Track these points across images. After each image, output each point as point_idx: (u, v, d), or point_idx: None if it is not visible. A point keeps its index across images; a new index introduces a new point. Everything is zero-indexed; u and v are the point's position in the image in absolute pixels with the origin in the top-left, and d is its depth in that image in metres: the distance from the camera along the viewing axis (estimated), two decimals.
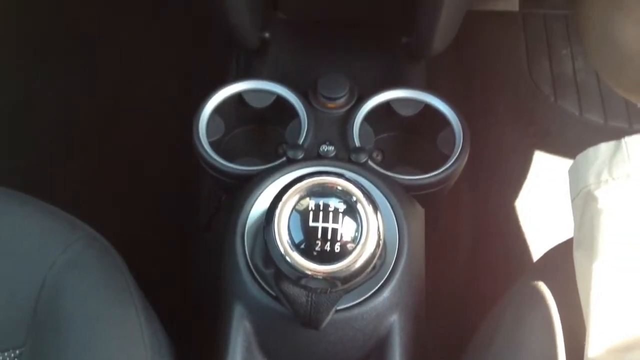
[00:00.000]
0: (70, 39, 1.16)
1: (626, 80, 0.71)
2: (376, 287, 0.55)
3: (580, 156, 0.50)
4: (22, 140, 1.07)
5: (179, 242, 0.95)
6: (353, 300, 0.54)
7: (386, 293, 0.55)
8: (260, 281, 0.55)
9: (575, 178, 0.50)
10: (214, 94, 0.69)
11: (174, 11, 1.17)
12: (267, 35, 0.85)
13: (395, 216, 0.58)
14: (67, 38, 1.16)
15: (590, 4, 0.73)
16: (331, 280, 0.48)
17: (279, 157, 0.64)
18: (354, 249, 0.48)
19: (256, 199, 0.59)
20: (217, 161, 0.65)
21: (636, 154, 0.47)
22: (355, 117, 0.67)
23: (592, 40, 0.74)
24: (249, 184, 0.61)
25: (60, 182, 1.01)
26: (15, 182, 0.61)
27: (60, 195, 0.65)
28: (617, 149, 0.47)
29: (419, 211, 0.65)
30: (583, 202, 0.48)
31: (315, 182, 0.50)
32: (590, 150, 0.49)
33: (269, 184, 0.60)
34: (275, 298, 0.54)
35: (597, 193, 0.47)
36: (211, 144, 0.67)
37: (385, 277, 0.55)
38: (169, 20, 1.18)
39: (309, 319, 0.50)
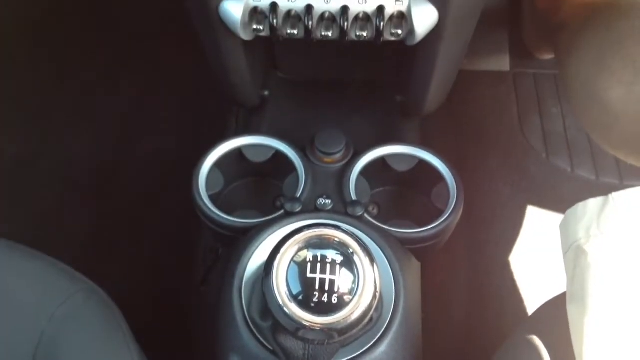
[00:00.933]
0: (71, 94, 1.19)
1: (613, 139, 0.73)
2: (373, 341, 0.55)
3: (570, 211, 0.52)
4: (23, 194, 1.08)
5: (177, 296, 0.95)
6: (350, 354, 0.55)
7: (383, 347, 0.55)
8: (257, 334, 0.55)
9: (566, 233, 0.51)
10: (215, 149, 0.71)
11: (175, 67, 1.21)
12: (266, 93, 0.88)
13: (392, 269, 0.59)
14: (68, 93, 1.19)
15: (575, 65, 0.76)
16: (328, 332, 0.48)
17: (277, 210, 0.66)
18: (351, 300, 0.49)
19: (254, 251, 0.60)
20: (216, 214, 0.67)
21: (623, 209, 0.48)
22: (351, 171, 0.69)
23: (579, 100, 0.77)
24: (247, 237, 0.62)
25: (60, 236, 1.01)
26: (15, 235, 0.62)
27: (59, 248, 0.65)
28: (605, 204, 0.49)
29: (415, 265, 0.66)
30: (574, 256, 0.49)
31: (313, 234, 0.51)
32: (580, 206, 0.51)
33: (267, 237, 0.61)
34: (272, 351, 0.54)
35: (587, 247, 0.48)
36: (210, 197, 0.69)
37: (382, 331, 0.56)
38: (170, 75, 1.21)
39: None
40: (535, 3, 1.10)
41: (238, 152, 0.72)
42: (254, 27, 0.61)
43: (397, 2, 0.59)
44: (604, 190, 0.50)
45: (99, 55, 1.23)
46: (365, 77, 0.91)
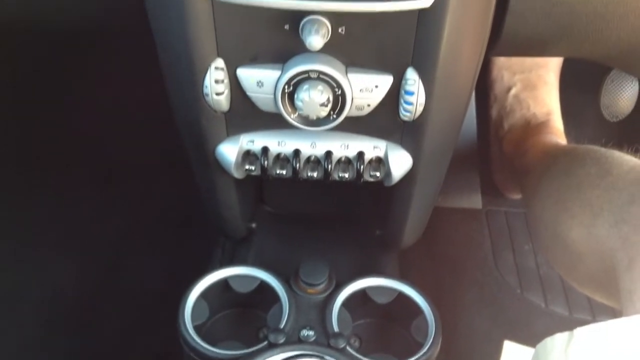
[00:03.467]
0: (58, 223, 1.21)
1: (579, 277, 0.78)
2: None
3: (539, 346, 0.55)
4: (6, 323, 1.07)
5: None
6: None
7: None
8: None
9: None
10: (201, 280, 0.74)
11: (165, 198, 1.26)
12: (253, 225, 0.92)
13: None
14: (53, 222, 1.21)
15: (539, 207, 0.83)
16: None
17: (260, 341, 0.67)
18: None
19: None
20: (200, 346, 0.68)
21: (588, 344, 0.51)
22: (333, 303, 0.72)
23: (545, 240, 0.83)
24: None
25: None
26: None
27: None
28: (570, 338, 0.52)
29: None
30: None
31: None
32: (548, 340, 0.54)
33: None
34: None
35: None
36: (195, 327, 0.70)
37: None
38: (159, 206, 1.26)
39: None
40: (502, 148, 1.20)
41: (224, 282, 0.75)
42: (246, 167, 0.67)
43: (375, 149, 0.66)
44: (577, 325, 0.53)
45: (89, 185, 1.27)
46: (347, 212, 0.97)
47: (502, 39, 0.63)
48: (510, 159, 1.15)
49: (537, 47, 0.69)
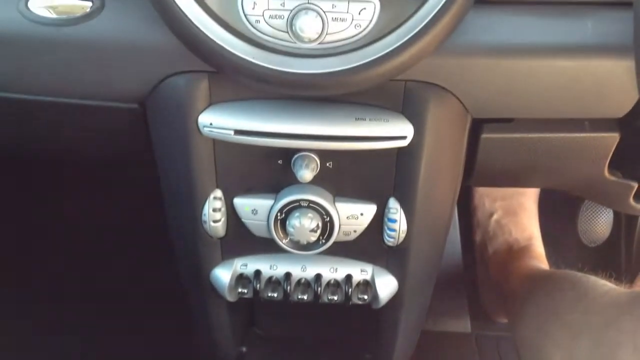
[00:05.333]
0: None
1: None
2: None
3: None
4: None
5: None
6: None
7: None
8: None
9: None
10: None
11: (157, 333, 1.24)
12: (244, 349, 0.93)
13: None
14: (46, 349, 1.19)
15: (523, 330, 0.86)
16: None
17: None
18: None
19: None
20: None
21: None
22: None
23: None
24: None
25: None
26: None
27: None
28: None
29: None
30: None
31: None
32: None
33: None
34: None
35: None
36: None
37: None
38: (150, 339, 1.24)
39: None
40: (488, 272, 1.24)
41: None
42: (239, 290, 0.71)
43: (362, 272, 0.70)
44: None
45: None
46: (336, 335, 0.99)
47: (475, 171, 0.70)
48: (496, 283, 1.18)
49: (509, 180, 0.76)
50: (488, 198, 1.28)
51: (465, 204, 1.29)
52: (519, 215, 1.25)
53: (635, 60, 0.34)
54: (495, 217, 1.26)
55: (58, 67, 0.59)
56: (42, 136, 0.74)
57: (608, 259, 1.24)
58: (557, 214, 1.28)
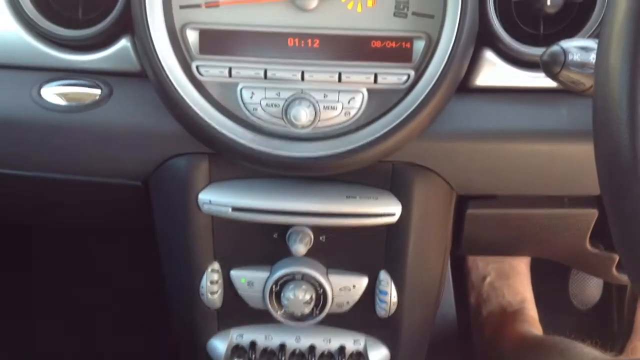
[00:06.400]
0: None
1: None
2: None
3: None
4: None
5: None
6: None
7: None
8: None
9: None
10: None
11: None
12: None
13: None
14: None
15: None
16: None
17: None
18: None
19: None
20: None
21: None
22: None
23: None
24: None
25: None
26: None
27: None
28: None
29: None
30: None
31: None
32: None
33: None
34: None
35: None
36: None
37: None
38: None
39: None
40: (483, 334, 1.25)
41: None
42: None
43: (355, 342, 0.72)
44: None
45: None
46: None
47: (463, 243, 0.73)
48: (489, 345, 1.19)
49: (496, 250, 0.79)
50: (481, 261, 1.30)
51: (459, 266, 1.31)
52: (511, 278, 1.27)
53: (594, 145, 0.38)
54: (488, 279, 1.28)
55: (67, 148, 0.63)
56: (45, 208, 0.77)
57: (600, 321, 1.26)
58: (549, 276, 1.30)
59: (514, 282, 1.26)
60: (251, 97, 0.58)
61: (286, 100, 0.58)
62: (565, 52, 0.46)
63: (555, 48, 0.47)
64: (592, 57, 0.46)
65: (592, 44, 0.47)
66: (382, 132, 0.57)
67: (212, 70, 0.58)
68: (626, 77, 0.34)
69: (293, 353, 0.72)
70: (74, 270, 1.26)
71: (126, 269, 1.20)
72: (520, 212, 0.68)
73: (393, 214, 0.63)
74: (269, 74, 0.58)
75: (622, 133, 0.35)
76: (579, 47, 0.46)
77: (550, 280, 1.31)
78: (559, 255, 0.79)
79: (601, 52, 0.37)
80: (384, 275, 0.68)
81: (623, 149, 0.35)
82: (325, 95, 0.58)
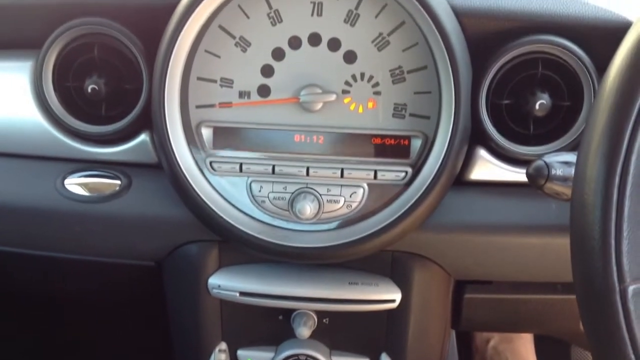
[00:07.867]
0: None
1: None
2: None
3: None
4: None
5: None
6: None
7: None
8: None
9: None
10: None
11: None
12: None
13: None
14: None
15: None
16: None
17: None
18: None
19: None
20: None
21: None
22: None
23: None
24: None
25: None
26: None
27: None
28: None
29: None
30: None
31: None
32: None
33: None
34: None
35: None
36: None
37: None
38: None
39: None
40: None
41: None
42: None
43: None
44: None
45: None
46: None
47: (462, 322, 0.75)
48: None
49: (496, 328, 0.81)
50: None
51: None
52: (515, 342, 1.28)
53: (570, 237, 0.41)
54: (492, 343, 1.29)
55: (87, 235, 0.67)
56: (62, 285, 0.81)
57: None
58: (552, 340, 1.31)
59: (517, 346, 1.27)
60: (260, 190, 0.63)
61: (292, 194, 0.62)
62: (548, 167, 0.49)
63: (539, 163, 0.50)
64: (573, 172, 0.49)
65: (574, 158, 0.50)
66: (382, 225, 0.61)
67: (225, 166, 0.63)
68: (599, 211, 0.38)
69: None
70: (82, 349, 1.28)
71: (135, 350, 1.22)
72: (516, 297, 0.71)
73: (393, 300, 0.66)
74: (276, 169, 0.62)
75: (595, 262, 0.38)
76: (561, 162, 0.50)
77: (553, 345, 1.32)
78: (556, 334, 0.81)
79: (576, 184, 0.41)
80: (385, 358, 0.70)
81: (596, 277, 0.38)
82: (328, 190, 0.62)
